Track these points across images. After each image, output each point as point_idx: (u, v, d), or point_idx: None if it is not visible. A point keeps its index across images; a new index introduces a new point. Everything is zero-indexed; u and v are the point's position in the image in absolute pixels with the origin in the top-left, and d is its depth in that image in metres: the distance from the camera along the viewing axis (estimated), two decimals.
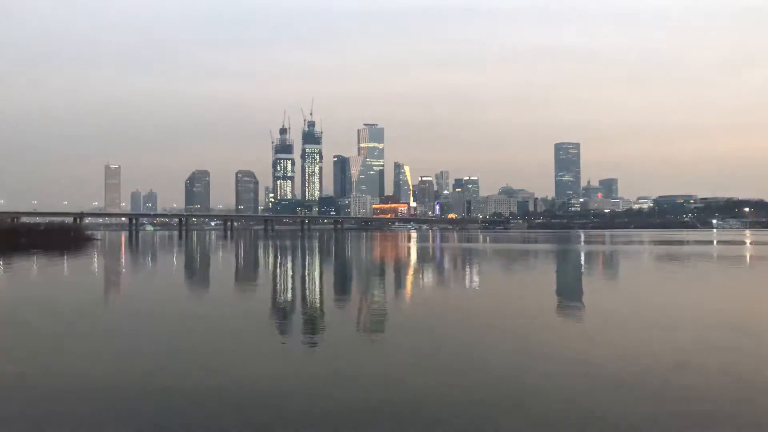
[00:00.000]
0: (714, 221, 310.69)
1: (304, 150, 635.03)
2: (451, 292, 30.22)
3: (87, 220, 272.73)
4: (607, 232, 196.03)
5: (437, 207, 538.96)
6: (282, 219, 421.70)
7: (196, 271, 48.05)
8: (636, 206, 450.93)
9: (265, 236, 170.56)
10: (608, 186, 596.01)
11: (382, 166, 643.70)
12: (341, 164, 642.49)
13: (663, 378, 12.25)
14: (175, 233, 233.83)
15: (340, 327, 19.23)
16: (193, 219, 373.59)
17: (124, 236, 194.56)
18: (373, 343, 16.89)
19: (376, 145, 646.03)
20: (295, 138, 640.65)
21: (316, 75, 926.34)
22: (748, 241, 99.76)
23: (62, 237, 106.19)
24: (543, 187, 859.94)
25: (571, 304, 25.59)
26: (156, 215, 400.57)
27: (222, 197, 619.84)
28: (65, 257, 62.48)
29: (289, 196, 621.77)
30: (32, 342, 16.84)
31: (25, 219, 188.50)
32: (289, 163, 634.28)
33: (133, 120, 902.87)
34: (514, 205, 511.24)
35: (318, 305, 25.27)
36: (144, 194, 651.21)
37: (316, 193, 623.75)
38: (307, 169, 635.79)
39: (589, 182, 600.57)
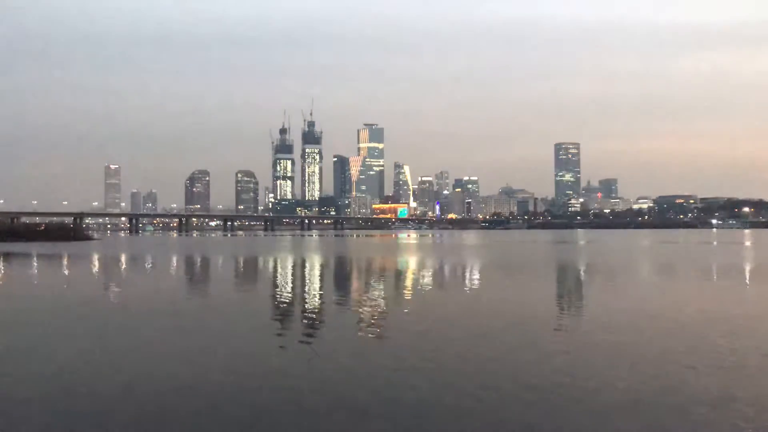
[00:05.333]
0: (714, 221, 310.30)
1: (304, 150, 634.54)
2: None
3: (87, 220, 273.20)
4: (608, 233, 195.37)
5: (437, 207, 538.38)
6: (282, 219, 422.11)
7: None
8: (636, 206, 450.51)
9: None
10: (608, 186, 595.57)
11: (382, 166, 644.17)
12: (341, 164, 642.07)
13: None
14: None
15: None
16: (193, 219, 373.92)
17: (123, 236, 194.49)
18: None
19: (376, 145, 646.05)
20: (295, 138, 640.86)
21: (316, 75, 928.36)
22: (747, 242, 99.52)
23: (61, 237, 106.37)
24: (543, 187, 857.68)
25: None
26: (156, 215, 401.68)
27: (222, 197, 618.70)
28: (63, 257, 62.51)
29: (289, 196, 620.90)
30: None
31: (25, 219, 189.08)
32: (289, 163, 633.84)
33: (133, 120, 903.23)
34: (514, 205, 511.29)
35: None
36: (144, 194, 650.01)
37: (316, 193, 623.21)
38: (307, 169, 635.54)
39: (589, 182, 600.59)
